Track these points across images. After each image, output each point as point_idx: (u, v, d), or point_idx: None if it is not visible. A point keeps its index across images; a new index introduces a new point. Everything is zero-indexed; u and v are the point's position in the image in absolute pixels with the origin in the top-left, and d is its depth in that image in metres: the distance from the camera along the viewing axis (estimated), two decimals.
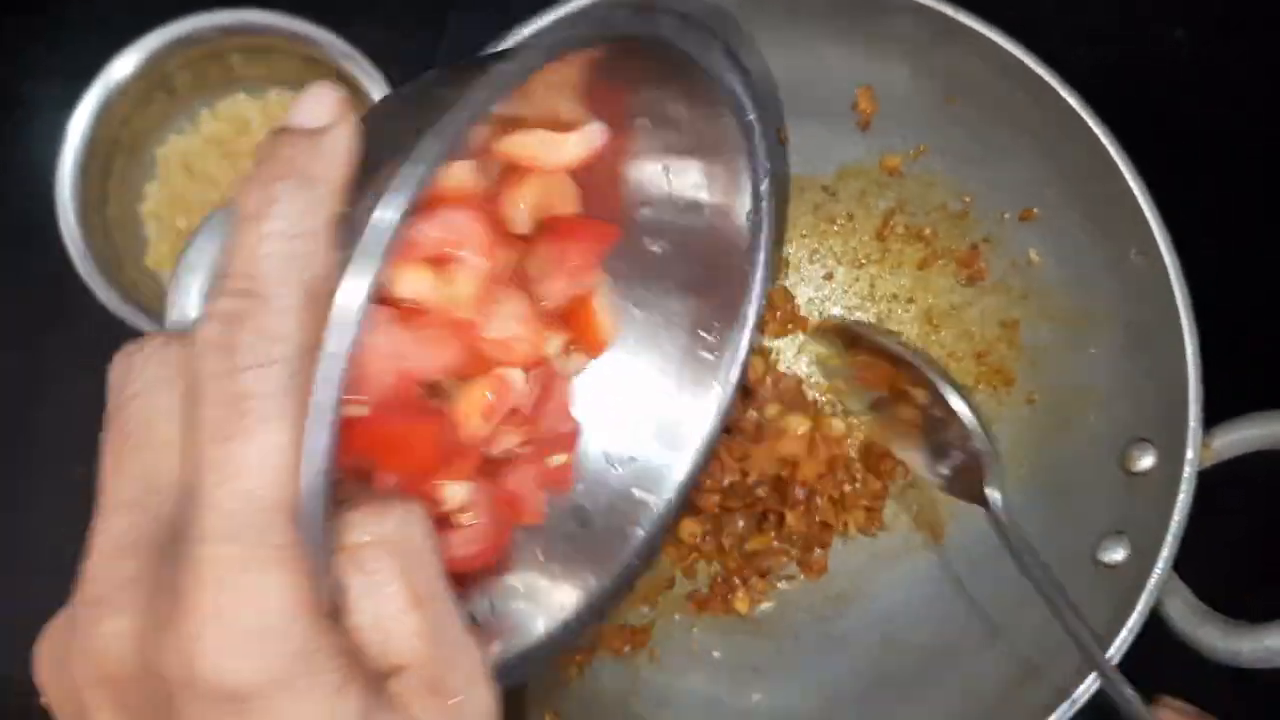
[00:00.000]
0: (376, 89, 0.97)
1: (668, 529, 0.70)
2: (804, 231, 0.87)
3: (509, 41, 0.71)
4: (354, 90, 0.99)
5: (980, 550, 0.81)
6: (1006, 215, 0.81)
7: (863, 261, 0.87)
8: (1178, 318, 0.72)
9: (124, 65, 1.00)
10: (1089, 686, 0.69)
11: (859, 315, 0.87)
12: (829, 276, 0.87)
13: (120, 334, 0.91)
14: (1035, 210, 0.80)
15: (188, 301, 0.61)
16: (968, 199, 0.83)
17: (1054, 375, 0.81)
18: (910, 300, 0.86)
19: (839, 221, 0.86)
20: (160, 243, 1.07)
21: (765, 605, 0.83)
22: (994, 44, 0.73)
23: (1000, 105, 0.77)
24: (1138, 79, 0.89)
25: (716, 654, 0.82)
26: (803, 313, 0.87)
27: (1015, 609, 0.77)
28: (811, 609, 0.83)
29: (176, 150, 1.09)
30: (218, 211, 0.64)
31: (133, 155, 1.07)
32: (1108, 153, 0.73)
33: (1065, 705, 0.69)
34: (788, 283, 0.87)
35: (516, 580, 0.66)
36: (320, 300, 0.39)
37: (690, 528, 0.82)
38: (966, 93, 0.78)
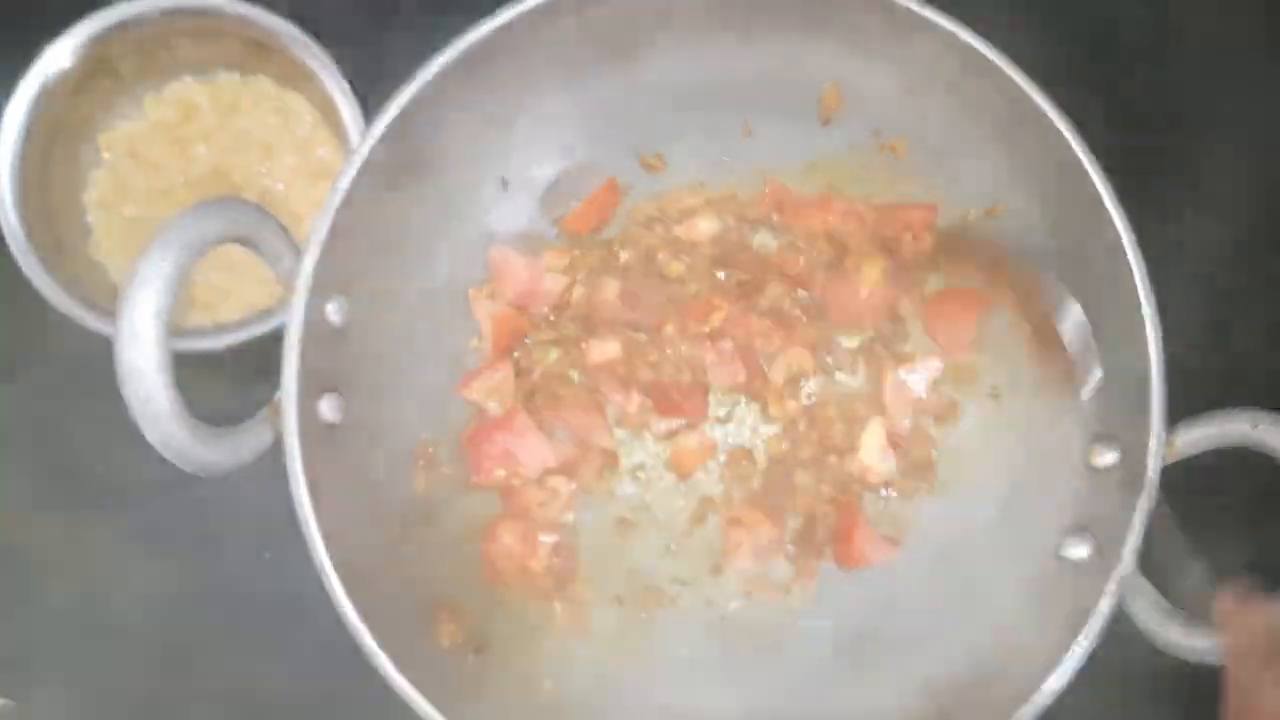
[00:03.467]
0: (325, 71, 0.94)
1: None
2: None
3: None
4: (302, 73, 0.96)
5: (943, 546, 0.81)
6: (971, 212, 0.81)
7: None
8: (1140, 314, 0.72)
9: (63, 50, 0.97)
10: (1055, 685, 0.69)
11: None
12: None
13: (62, 326, 0.88)
14: (1000, 207, 0.79)
15: (137, 316, 0.59)
16: (932, 194, 0.82)
17: (1018, 369, 0.81)
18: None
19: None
20: (106, 231, 1.04)
21: (735, 605, 0.83)
22: (953, 35, 0.72)
23: (966, 99, 0.76)
24: (1100, 69, 0.89)
25: (685, 652, 0.81)
26: None
27: (982, 601, 0.77)
28: (782, 607, 0.83)
29: (122, 137, 1.06)
30: (171, 220, 0.62)
31: (74, 142, 1.03)
32: (1070, 147, 0.72)
33: (1028, 706, 0.69)
34: None
35: None
36: None
37: None
38: (931, 85, 0.77)
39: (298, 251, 0.68)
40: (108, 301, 0.90)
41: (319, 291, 0.69)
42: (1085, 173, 0.72)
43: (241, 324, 0.92)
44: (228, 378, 0.89)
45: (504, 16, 0.70)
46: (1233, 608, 0.66)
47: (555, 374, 0.81)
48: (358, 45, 0.91)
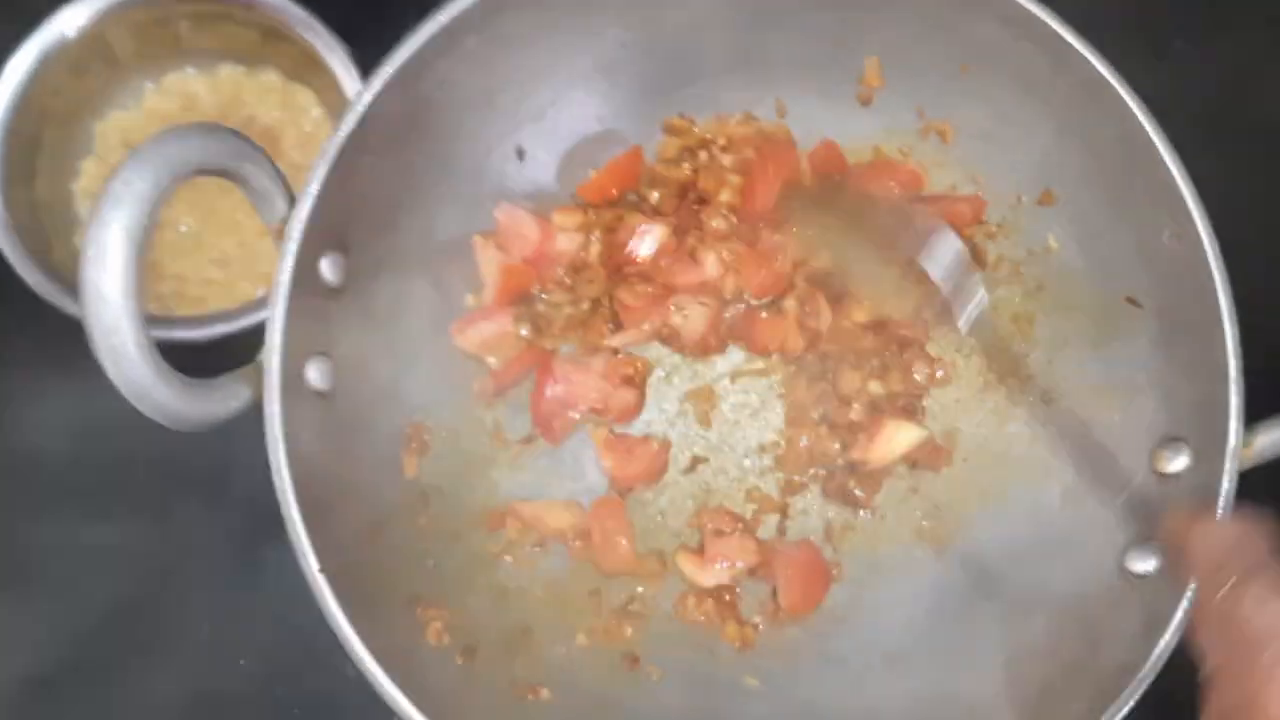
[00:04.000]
0: (336, 60, 0.89)
1: None
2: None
3: None
4: (311, 63, 0.91)
5: (988, 561, 0.73)
6: (1023, 198, 0.75)
7: None
8: (1217, 305, 0.65)
9: (59, 26, 0.92)
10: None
11: None
12: None
13: (46, 315, 0.82)
14: (1054, 192, 0.73)
15: (108, 236, 0.53)
16: (980, 180, 0.76)
17: (1074, 372, 0.74)
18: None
19: None
20: None
21: (760, 621, 0.75)
22: (1016, 5, 0.67)
23: (1019, 75, 0.70)
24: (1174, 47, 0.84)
25: (710, 672, 0.73)
26: None
27: (1024, 619, 0.70)
28: (809, 627, 0.75)
29: (117, 126, 1.00)
30: (149, 140, 0.56)
31: (66, 129, 0.98)
32: (1140, 125, 0.67)
33: None
34: None
35: None
36: None
37: None
38: (982, 61, 0.71)
39: (290, 195, 0.62)
40: None
41: (312, 244, 0.62)
42: (1158, 156, 0.66)
43: (230, 314, 0.86)
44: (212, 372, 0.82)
45: None
46: (1187, 525, 0.59)
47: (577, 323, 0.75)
48: (371, 34, 0.85)
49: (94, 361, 0.53)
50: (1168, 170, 0.66)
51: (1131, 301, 0.70)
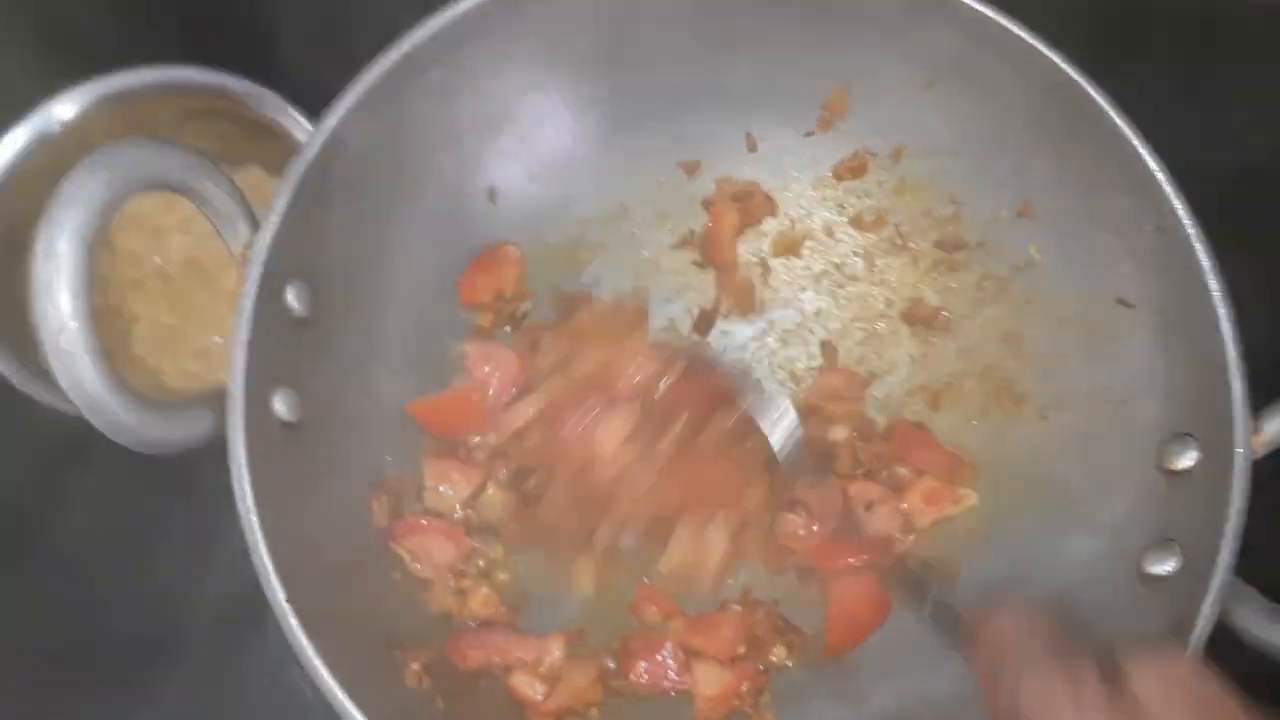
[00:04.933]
0: None
1: None
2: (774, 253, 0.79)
3: None
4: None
5: (1002, 582, 0.69)
6: (1001, 212, 0.74)
7: (842, 283, 0.78)
8: (1208, 292, 0.63)
9: (43, 120, 0.93)
10: None
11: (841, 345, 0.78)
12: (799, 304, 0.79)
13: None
14: (1032, 202, 0.72)
15: (58, 236, 0.52)
16: (956, 199, 0.75)
17: (1070, 383, 0.72)
18: (895, 321, 0.77)
19: (813, 240, 0.79)
20: None
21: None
22: (975, 12, 0.67)
23: (984, 86, 0.70)
24: (1134, 37, 0.83)
25: None
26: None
27: None
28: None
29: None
30: (103, 149, 0.55)
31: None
32: (1111, 122, 0.66)
33: None
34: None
35: None
36: None
37: None
38: (947, 76, 0.71)
39: (253, 219, 0.61)
40: None
41: (277, 271, 0.61)
42: (1131, 150, 0.66)
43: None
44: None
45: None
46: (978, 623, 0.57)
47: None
48: None
49: None
50: (1142, 162, 0.65)
51: (1123, 303, 0.69)
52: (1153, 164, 0.65)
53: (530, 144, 0.74)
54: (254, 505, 0.56)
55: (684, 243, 0.78)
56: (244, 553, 0.56)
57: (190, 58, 0.87)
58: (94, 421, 0.52)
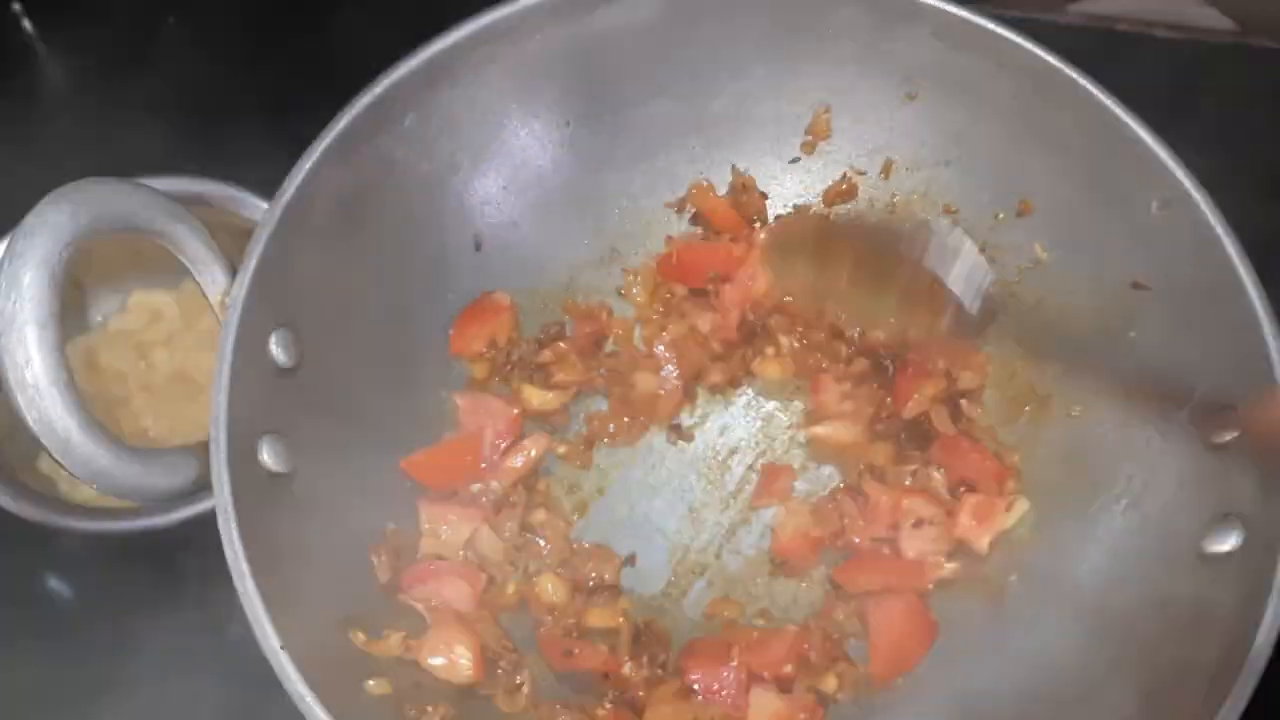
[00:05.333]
0: None
1: None
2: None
3: None
4: None
5: (1064, 580, 0.65)
6: (1000, 215, 0.72)
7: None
8: (1227, 257, 0.61)
9: None
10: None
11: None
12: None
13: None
14: (1031, 200, 0.70)
15: (23, 268, 0.50)
16: (952, 209, 0.73)
17: (1095, 376, 0.68)
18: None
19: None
20: None
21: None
22: (947, 15, 0.67)
23: (967, 87, 0.69)
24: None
25: None
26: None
27: (1113, 632, 0.61)
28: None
29: (79, 349, 0.99)
30: (70, 185, 0.53)
31: None
32: (1097, 102, 0.65)
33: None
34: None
35: None
36: None
37: None
38: (927, 85, 0.70)
39: (229, 265, 0.59)
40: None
41: (258, 318, 0.59)
42: (1123, 128, 0.65)
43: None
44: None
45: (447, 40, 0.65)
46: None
47: None
48: None
49: None
50: (1138, 139, 0.64)
51: (1138, 286, 0.66)
52: (1149, 139, 0.64)
53: (514, 188, 0.72)
54: (241, 548, 0.52)
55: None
56: None
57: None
58: (65, 463, 0.49)
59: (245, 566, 0.52)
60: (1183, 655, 0.56)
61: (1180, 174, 0.63)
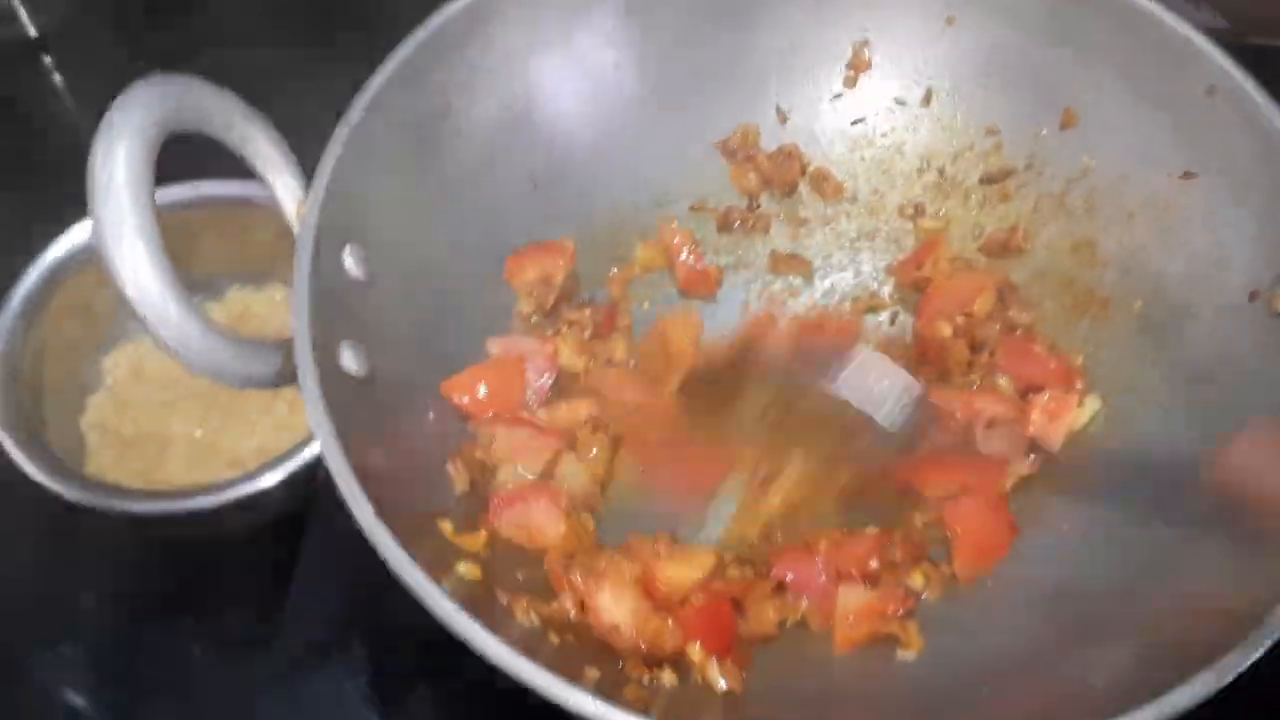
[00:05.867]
0: None
1: None
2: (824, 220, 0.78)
3: None
4: None
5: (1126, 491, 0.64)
6: (1044, 129, 0.73)
7: (897, 237, 0.77)
8: (1276, 131, 0.62)
9: (65, 245, 0.93)
10: None
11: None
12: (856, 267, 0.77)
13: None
14: (1073, 110, 0.72)
15: (116, 163, 0.50)
16: (996, 130, 0.74)
17: (1153, 270, 0.69)
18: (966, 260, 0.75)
19: (857, 200, 0.78)
20: (103, 450, 0.94)
21: None
22: None
23: (1003, 4, 0.71)
24: None
25: None
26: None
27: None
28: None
29: (124, 357, 0.99)
30: (144, 80, 0.54)
31: (69, 366, 0.96)
32: (1132, 4, 0.67)
33: None
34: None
35: None
36: None
37: None
38: (964, 6, 0.72)
39: (300, 171, 0.60)
40: None
41: (331, 231, 0.59)
42: (1162, 24, 0.67)
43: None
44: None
45: None
46: None
47: None
48: None
49: None
50: (1178, 34, 0.66)
51: (1187, 175, 0.67)
52: (1190, 33, 0.65)
53: (565, 130, 0.73)
54: (330, 425, 0.52)
55: (727, 224, 0.77)
56: None
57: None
58: (157, 331, 0.49)
59: (336, 442, 0.51)
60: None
61: (1221, 59, 0.64)
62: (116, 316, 0.99)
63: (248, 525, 0.90)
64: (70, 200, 0.90)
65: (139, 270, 0.48)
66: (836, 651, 0.62)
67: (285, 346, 0.55)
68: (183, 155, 0.90)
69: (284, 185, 0.59)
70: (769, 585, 0.63)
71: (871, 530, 0.65)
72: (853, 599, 0.61)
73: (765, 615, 0.62)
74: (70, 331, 0.95)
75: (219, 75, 0.58)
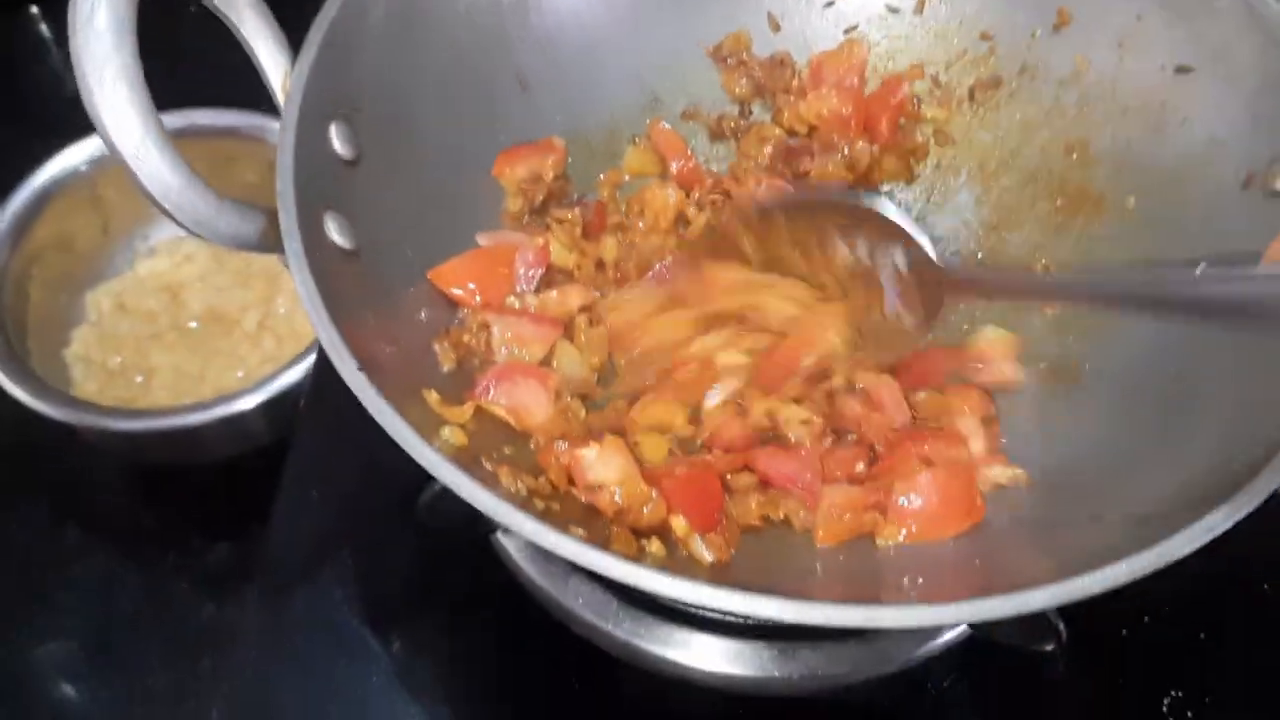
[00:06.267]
0: None
1: None
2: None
3: None
4: None
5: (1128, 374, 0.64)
6: (1037, 31, 0.73)
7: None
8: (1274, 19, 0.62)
9: (49, 173, 0.93)
10: None
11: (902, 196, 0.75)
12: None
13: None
14: (1067, 9, 0.71)
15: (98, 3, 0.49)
16: (989, 36, 0.74)
17: (1147, 164, 0.68)
18: (958, 168, 0.75)
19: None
20: (87, 381, 0.93)
21: None
22: None
23: None
24: None
25: None
26: None
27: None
28: None
29: (110, 292, 0.98)
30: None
31: (54, 300, 0.96)
32: None
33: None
34: None
35: None
36: None
37: None
38: None
39: (288, 45, 0.59)
40: None
41: (318, 103, 0.58)
42: None
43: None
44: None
45: None
46: None
47: None
48: None
49: None
50: None
51: (1182, 69, 0.67)
52: None
53: (554, 30, 0.73)
54: (314, 284, 0.51)
55: (719, 132, 0.76)
56: None
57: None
58: (138, 175, 0.48)
59: (319, 299, 0.51)
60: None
61: None
62: (101, 254, 0.99)
63: (229, 457, 0.89)
64: (54, 147, 0.91)
65: (120, 112, 0.48)
66: (819, 544, 0.61)
67: (271, 212, 0.54)
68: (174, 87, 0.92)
69: (269, 55, 0.58)
70: (754, 479, 0.62)
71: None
72: (839, 496, 0.61)
73: (748, 508, 0.61)
74: (54, 267, 0.95)
75: None
